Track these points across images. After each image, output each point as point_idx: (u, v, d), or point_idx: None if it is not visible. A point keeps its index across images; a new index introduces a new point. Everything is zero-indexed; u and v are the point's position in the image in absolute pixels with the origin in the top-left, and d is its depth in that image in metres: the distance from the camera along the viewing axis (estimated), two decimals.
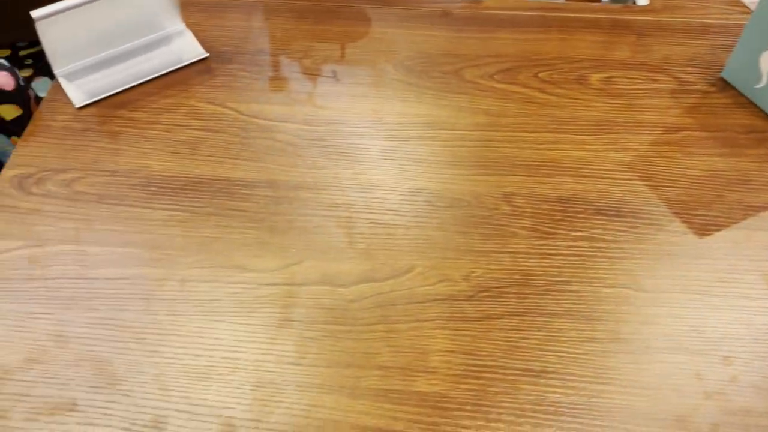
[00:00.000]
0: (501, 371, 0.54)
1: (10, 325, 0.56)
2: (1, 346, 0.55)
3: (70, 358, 0.54)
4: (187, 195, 0.66)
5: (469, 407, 0.52)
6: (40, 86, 1.38)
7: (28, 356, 0.54)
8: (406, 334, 0.56)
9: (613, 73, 0.78)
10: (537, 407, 0.52)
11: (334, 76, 0.78)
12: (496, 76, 0.77)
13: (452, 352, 0.55)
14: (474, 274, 0.60)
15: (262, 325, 0.57)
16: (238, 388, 0.53)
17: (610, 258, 0.61)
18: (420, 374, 0.54)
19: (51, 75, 0.76)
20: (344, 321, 0.57)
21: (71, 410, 0.52)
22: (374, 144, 0.71)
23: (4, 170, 0.68)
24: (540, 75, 0.77)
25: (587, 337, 0.56)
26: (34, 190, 0.66)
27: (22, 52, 1.42)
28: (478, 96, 0.75)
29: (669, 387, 0.53)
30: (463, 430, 0.51)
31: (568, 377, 0.54)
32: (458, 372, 0.54)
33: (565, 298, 0.58)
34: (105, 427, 0.51)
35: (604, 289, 0.59)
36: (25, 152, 0.69)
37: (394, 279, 0.60)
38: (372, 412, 0.52)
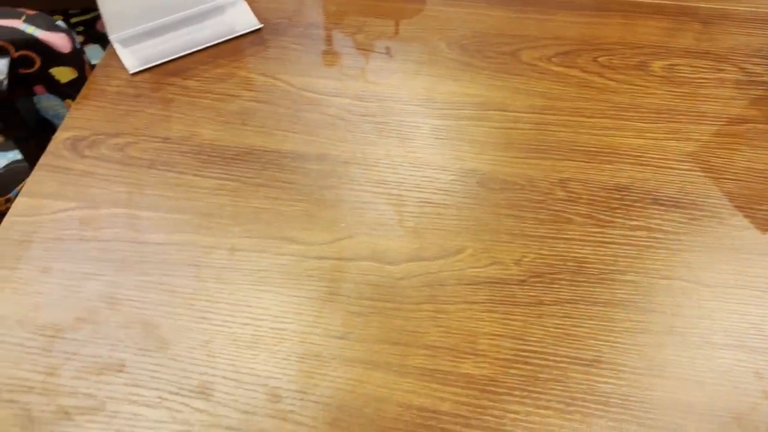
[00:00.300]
0: (551, 358, 0.53)
1: (63, 284, 0.57)
2: (54, 305, 0.56)
3: (120, 320, 0.55)
4: (237, 165, 0.65)
5: (517, 392, 0.51)
6: (90, 53, 1.39)
7: (80, 316, 0.55)
8: (455, 316, 0.55)
9: (676, 61, 0.75)
10: (588, 396, 0.51)
11: (387, 52, 0.77)
12: (554, 59, 0.75)
13: (501, 336, 0.54)
14: (526, 259, 0.59)
15: (308, 297, 0.56)
16: (285, 359, 0.53)
17: (668, 249, 0.59)
18: (468, 356, 0.53)
19: (101, 42, 0.76)
20: (392, 298, 0.56)
21: (119, 371, 0.52)
22: (426, 122, 0.70)
23: (58, 132, 0.68)
24: (599, 59, 0.75)
25: (642, 329, 0.54)
26: (88, 153, 0.66)
27: (74, 19, 1.43)
28: (534, 78, 0.73)
29: (726, 384, 0.51)
30: (511, 414, 0.50)
31: (621, 368, 0.52)
32: (507, 356, 0.53)
33: (620, 287, 0.57)
34: (152, 389, 0.51)
35: (661, 281, 0.57)
36: (79, 115, 0.70)
37: (444, 259, 0.59)
38: (418, 390, 0.51)
